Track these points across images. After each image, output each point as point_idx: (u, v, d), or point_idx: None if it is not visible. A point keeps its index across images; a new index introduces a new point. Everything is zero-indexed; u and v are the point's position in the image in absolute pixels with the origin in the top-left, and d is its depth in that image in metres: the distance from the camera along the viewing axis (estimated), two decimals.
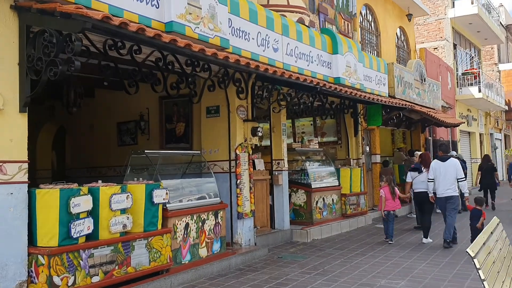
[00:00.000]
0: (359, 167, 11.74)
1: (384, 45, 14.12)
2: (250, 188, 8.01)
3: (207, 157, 8.09)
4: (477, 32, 23.28)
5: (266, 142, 9.89)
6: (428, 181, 8.59)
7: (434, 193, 8.46)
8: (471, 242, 8.40)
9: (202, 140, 8.23)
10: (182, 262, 6.11)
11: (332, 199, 10.34)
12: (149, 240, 5.50)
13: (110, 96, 9.51)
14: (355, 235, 9.88)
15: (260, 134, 8.07)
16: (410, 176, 9.46)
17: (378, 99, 10.57)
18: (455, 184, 8.32)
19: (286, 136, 9.38)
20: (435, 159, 8.77)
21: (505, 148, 29.72)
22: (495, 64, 28.49)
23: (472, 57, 23.72)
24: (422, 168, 9.17)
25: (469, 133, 23.39)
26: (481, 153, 23.03)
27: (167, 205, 5.91)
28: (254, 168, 8.64)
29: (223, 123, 7.96)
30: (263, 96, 8.04)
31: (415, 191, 9.24)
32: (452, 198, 8.27)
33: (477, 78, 20.72)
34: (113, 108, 9.67)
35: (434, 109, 15.28)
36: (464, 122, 20.16)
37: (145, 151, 6.19)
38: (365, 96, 9.95)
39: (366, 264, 7.08)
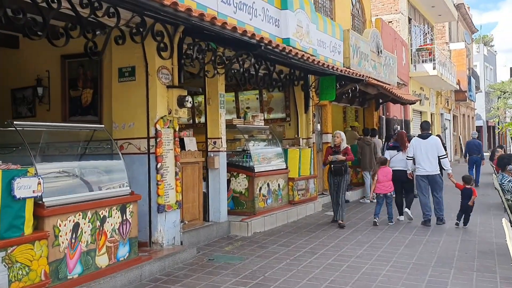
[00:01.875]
0: (309, 147, 10.36)
1: (338, 10, 12.69)
2: (176, 174, 6.38)
3: (119, 134, 6.36)
4: (431, 8, 22.43)
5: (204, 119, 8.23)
6: (407, 159, 8.64)
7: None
8: (458, 218, 8.29)
9: (114, 111, 6.47)
10: (68, 277, 4.43)
11: (279, 185, 8.90)
12: (8, 251, 3.78)
13: (2, 55, 7.50)
14: (303, 225, 8.51)
15: (189, 104, 6.41)
16: (388, 154, 9.23)
17: (334, 68, 9.14)
18: (436, 162, 8.36)
19: (225, 110, 7.77)
20: (416, 137, 8.79)
21: (453, 129, 29.59)
22: (446, 43, 28.00)
23: (426, 33, 22.91)
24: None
25: (420, 112, 22.73)
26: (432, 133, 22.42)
27: (44, 200, 4.18)
28: (183, 148, 7.01)
29: (140, 90, 6.24)
30: (193, 57, 6.36)
31: (393, 169, 8.85)
32: (435, 177, 8.35)
33: (432, 55, 19.89)
34: (5, 71, 7.66)
35: (389, 84, 14.12)
36: (420, 99, 19.34)
37: (15, 122, 4.39)
38: (318, 62, 8.47)
39: (317, 267, 5.69)
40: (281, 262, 5.97)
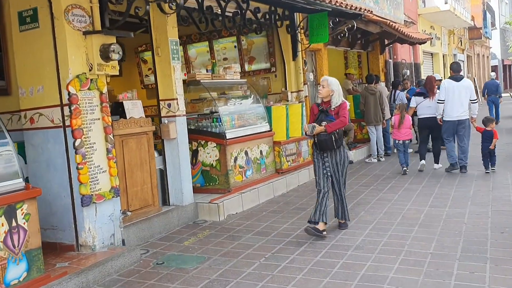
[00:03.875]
0: (299, 102, 8.60)
1: None
2: (108, 151, 4.74)
3: (28, 102, 4.75)
4: None
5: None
6: (438, 102, 8.03)
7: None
8: (485, 165, 7.88)
9: (17, 71, 4.79)
10: None
11: (261, 151, 7.23)
12: None
13: None
14: (293, 199, 6.90)
15: (116, 56, 4.66)
16: (414, 101, 8.64)
17: (325, 0, 7.22)
18: (467, 106, 7.95)
19: (180, 62, 6.00)
20: (448, 79, 8.20)
21: (467, 71, 27.36)
22: None
23: None
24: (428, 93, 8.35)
25: (431, 54, 20.62)
26: (444, 76, 20.40)
27: None
28: (124, 116, 5.33)
29: (46, 40, 4.53)
30: None
31: (420, 117, 8.53)
32: (465, 122, 7.95)
33: None
34: None
35: (395, 22, 12.08)
36: (432, 38, 17.22)
37: None
38: None
39: (300, 271, 4.09)
40: (253, 264, 4.38)
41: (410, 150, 9.22)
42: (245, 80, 7.70)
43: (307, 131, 5.01)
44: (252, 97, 7.65)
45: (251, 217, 6.03)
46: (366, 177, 8.31)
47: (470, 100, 7.93)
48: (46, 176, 4.67)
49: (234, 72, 7.34)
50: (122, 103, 5.38)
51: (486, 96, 15.95)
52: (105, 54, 4.62)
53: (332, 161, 5.06)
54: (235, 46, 9.07)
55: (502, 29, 37.53)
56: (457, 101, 7.82)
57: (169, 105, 5.84)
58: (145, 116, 5.62)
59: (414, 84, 13.82)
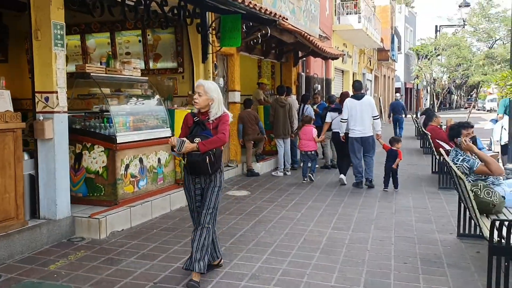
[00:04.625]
0: None
1: None
2: None
3: None
4: None
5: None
6: (341, 121, 8.31)
7: (346, 134, 8.26)
8: (384, 183, 7.95)
9: None
10: None
11: (159, 159, 6.49)
12: None
13: None
14: (187, 215, 6.22)
15: None
16: (329, 116, 8.97)
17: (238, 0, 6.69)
18: (370, 123, 8.14)
19: (65, 50, 5.10)
20: (350, 98, 8.38)
21: (374, 91, 28.59)
22: None
23: None
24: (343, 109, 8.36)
25: (342, 71, 21.11)
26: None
27: None
28: None
29: None
30: None
31: (334, 131, 8.85)
32: (368, 139, 8.13)
33: (357, 7, 18.02)
34: None
35: (310, 35, 11.96)
36: (345, 55, 17.52)
37: None
38: None
39: None
40: None
41: (316, 165, 9.06)
42: (146, 78, 6.92)
43: (173, 147, 3.75)
44: (153, 98, 6.90)
45: (138, 236, 5.27)
46: (271, 191, 7.89)
47: (372, 117, 8.13)
48: None
49: (134, 68, 6.53)
50: None
51: (392, 115, 16.88)
52: None
53: (206, 187, 3.94)
54: (139, 41, 8.27)
55: (406, 54, 40.01)
56: (359, 119, 8.03)
57: (46, 99, 4.92)
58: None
59: (325, 99, 13.88)
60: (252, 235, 5.32)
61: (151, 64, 8.24)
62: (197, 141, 3.74)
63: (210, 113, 3.87)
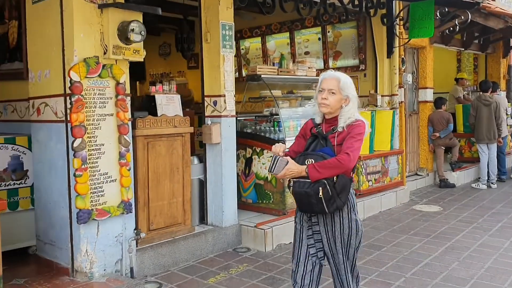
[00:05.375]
0: (392, 108, 7.06)
1: None
2: (121, 155, 3.79)
3: (36, 88, 4.00)
4: None
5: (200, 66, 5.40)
6: None
7: None
8: None
9: (28, 51, 4.04)
10: None
11: None
12: None
13: None
14: (367, 232, 5.45)
15: (136, 37, 3.69)
16: None
17: None
18: None
19: (234, 51, 4.89)
20: None
21: None
22: None
23: None
24: None
25: None
26: None
27: None
28: (154, 113, 4.37)
29: (53, 14, 3.69)
30: None
31: None
32: None
33: None
34: None
35: None
36: None
37: None
38: None
39: None
40: None
41: None
42: None
43: (272, 167, 2.57)
44: None
45: None
46: (469, 208, 6.55)
47: None
48: (48, 179, 3.87)
49: (309, 68, 6.06)
50: (153, 96, 4.41)
51: None
52: (123, 33, 3.67)
53: (328, 234, 2.67)
54: (319, 39, 7.79)
55: None
56: None
57: (215, 103, 4.77)
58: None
59: None
60: (441, 266, 4.30)
61: (330, 63, 7.69)
62: (308, 163, 2.54)
63: (340, 120, 2.62)
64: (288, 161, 2.54)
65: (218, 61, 4.70)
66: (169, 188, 4.41)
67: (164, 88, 4.54)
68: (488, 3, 6.96)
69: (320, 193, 2.50)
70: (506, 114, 9.45)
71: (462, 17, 6.83)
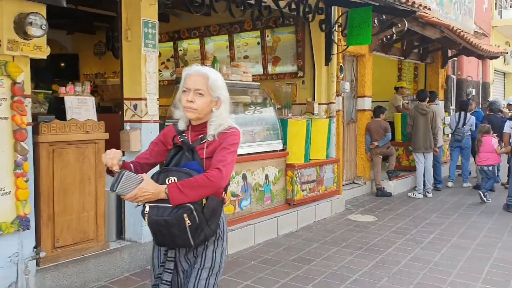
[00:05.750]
0: (329, 116, 6.92)
1: None
2: (17, 165, 3.34)
3: None
4: None
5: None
6: None
7: None
8: None
9: None
10: None
11: (266, 176, 5.63)
12: None
13: None
14: (299, 244, 5.23)
15: (36, 31, 3.26)
16: (509, 126, 7.25)
17: None
18: None
19: (157, 52, 4.53)
20: None
21: None
22: None
23: None
24: None
25: (504, 74, 18.11)
26: None
27: None
28: (63, 117, 3.95)
29: None
30: None
31: None
32: None
33: None
34: None
35: (461, 31, 10.08)
36: (507, 53, 14.88)
37: None
38: None
39: None
40: None
41: (494, 183, 8.04)
42: (258, 84, 6.14)
43: (114, 185, 1.95)
44: (265, 106, 6.08)
45: (231, 268, 4.45)
46: (404, 218, 6.50)
47: None
48: None
49: (244, 72, 5.80)
50: (62, 98, 3.98)
51: None
52: (20, 27, 3.24)
53: (183, 274, 2.20)
54: (258, 43, 7.54)
55: None
56: None
57: (135, 107, 4.39)
58: None
59: (481, 106, 11.80)
60: (370, 283, 4.13)
61: (269, 68, 7.46)
62: (169, 182, 2.02)
63: (210, 127, 2.14)
64: (142, 179, 1.96)
65: (139, 61, 4.32)
66: (78, 201, 3.98)
67: (76, 89, 4.11)
68: (425, 12, 6.97)
69: (186, 221, 1.96)
70: (444, 123, 9.63)
71: (399, 25, 6.79)
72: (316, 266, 4.53)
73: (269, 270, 4.40)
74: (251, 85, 5.95)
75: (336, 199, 6.77)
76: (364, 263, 4.64)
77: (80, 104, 4.06)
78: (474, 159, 9.34)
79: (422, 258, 4.81)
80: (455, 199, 7.88)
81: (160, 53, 8.72)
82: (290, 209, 5.90)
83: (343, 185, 7.33)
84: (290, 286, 4.00)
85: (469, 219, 6.45)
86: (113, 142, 4.31)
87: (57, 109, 3.96)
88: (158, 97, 4.51)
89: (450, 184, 9.03)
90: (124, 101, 4.42)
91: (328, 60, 6.97)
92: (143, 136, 4.37)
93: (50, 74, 8.16)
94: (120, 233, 4.53)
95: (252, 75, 7.35)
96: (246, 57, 7.69)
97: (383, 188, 8.04)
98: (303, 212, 6.01)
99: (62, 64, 9.46)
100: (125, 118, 4.42)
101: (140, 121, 4.37)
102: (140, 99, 4.35)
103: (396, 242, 5.38)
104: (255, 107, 5.94)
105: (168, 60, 8.63)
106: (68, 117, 3.94)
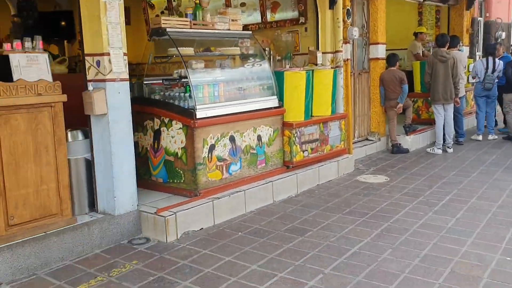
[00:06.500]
0: (335, 67, 6.23)
1: None
2: None
3: None
4: None
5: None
6: None
7: None
8: None
9: None
10: None
11: (259, 136, 5.07)
12: None
13: None
14: (297, 211, 4.72)
15: None
16: None
17: None
18: None
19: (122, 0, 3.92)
20: None
21: None
22: None
23: None
24: None
25: None
26: None
27: None
28: (8, 78, 3.45)
29: None
30: None
31: None
32: None
33: None
34: None
35: None
36: None
37: None
38: None
39: None
40: None
41: None
42: (249, 32, 5.48)
43: None
44: (257, 57, 5.44)
45: (216, 240, 3.99)
46: (419, 178, 5.88)
47: None
48: None
49: (232, 21, 5.13)
50: (6, 56, 3.45)
51: None
52: None
53: None
54: None
55: None
56: None
57: (98, 63, 3.85)
58: None
59: (510, 51, 10.79)
60: (370, 256, 3.61)
61: (268, 16, 6.75)
62: None
63: None
64: None
65: (98, 10, 3.74)
66: (35, 172, 3.53)
67: (26, 45, 3.57)
68: None
69: None
70: (468, 71, 8.78)
71: None
72: (311, 237, 4.03)
73: (257, 243, 3.92)
74: (241, 34, 5.29)
75: (344, 158, 6.17)
76: (367, 232, 4.11)
77: (30, 63, 3.53)
78: (502, 109, 8.56)
79: (433, 225, 4.24)
80: (478, 154, 7.18)
81: (153, 5, 8.14)
82: (289, 172, 5.35)
83: (354, 143, 6.72)
84: (276, 262, 3.52)
85: (492, 177, 5.80)
86: (79, 105, 3.84)
87: (2, 69, 3.44)
88: (125, 51, 3.95)
89: (479, 137, 8.28)
90: (86, 57, 3.88)
91: (332, 2, 6.20)
92: (109, 97, 3.85)
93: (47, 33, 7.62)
94: (93, 206, 4.10)
95: (250, 24, 6.76)
96: (243, 4, 6.99)
97: (399, 144, 7.39)
98: (303, 175, 5.46)
99: (63, 23, 8.89)
100: (88, 77, 3.89)
101: (104, 80, 3.83)
102: (103, 54, 3.80)
103: (407, 206, 4.80)
104: (245, 60, 5.30)
105: (162, 12, 7.97)
106: (15, 78, 3.43)
